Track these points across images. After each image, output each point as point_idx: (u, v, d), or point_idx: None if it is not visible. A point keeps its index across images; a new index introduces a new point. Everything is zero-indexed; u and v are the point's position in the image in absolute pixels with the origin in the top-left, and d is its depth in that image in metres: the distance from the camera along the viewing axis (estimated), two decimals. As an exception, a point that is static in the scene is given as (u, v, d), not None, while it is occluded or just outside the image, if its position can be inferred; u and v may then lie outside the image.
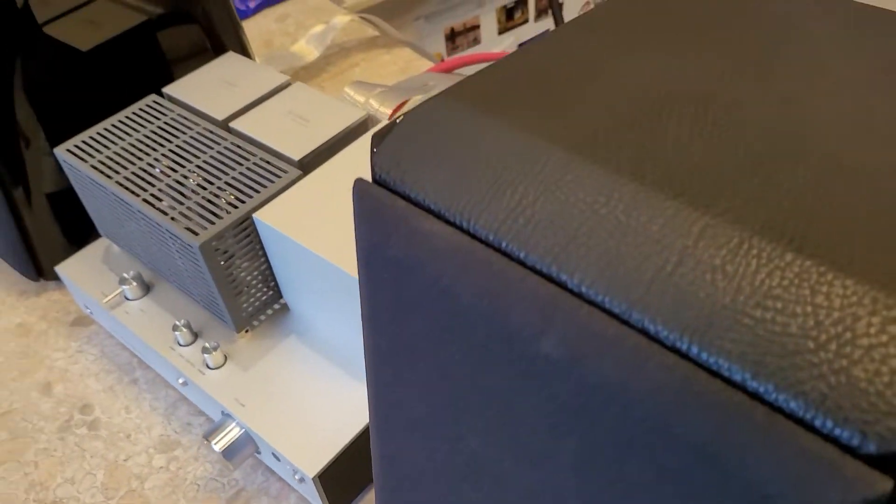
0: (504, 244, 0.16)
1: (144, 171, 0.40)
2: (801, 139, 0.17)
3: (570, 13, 1.18)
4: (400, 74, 0.70)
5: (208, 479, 0.41)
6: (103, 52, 0.49)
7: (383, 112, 0.48)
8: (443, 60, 0.76)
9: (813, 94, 0.18)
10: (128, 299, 0.44)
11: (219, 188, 0.38)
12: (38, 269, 0.51)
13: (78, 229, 0.51)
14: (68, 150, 0.42)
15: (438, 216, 0.18)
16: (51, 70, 0.47)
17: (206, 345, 0.39)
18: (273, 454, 0.36)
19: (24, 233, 0.50)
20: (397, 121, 0.20)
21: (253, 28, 0.77)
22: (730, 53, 0.20)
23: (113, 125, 0.43)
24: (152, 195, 0.38)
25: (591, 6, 1.19)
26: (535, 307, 0.16)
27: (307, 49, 0.69)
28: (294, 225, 0.35)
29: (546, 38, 0.21)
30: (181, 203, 0.38)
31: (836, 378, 0.13)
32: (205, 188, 0.38)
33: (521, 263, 0.16)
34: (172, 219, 0.37)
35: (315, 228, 0.35)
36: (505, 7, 1.03)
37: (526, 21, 1.08)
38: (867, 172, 0.16)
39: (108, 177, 0.40)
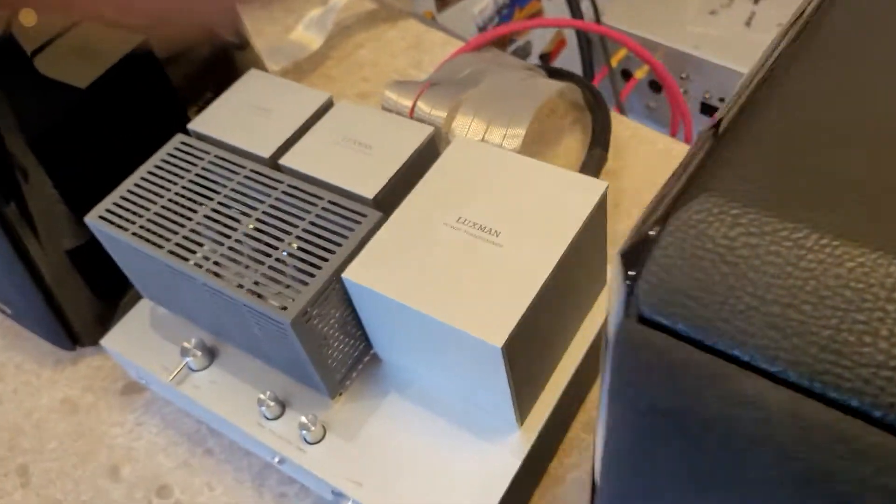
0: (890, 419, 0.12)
1: (196, 232, 0.35)
2: None
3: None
4: (412, 51, 0.64)
5: (322, 557, 0.37)
6: (105, 83, 0.42)
7: (437, 115, 0.42)
8: (478, 36, 0.70)
9: None
10: (192, 370, 0.39)
11: (290, 244, 0.33)
12: (73, 336, 0.46)
13: (110, 286, 0.45)
14: (101, 218, 0.36)
15: (766, 375, 0.13)
16: (49, 108, 0.41)
17: (303, 419, 0.34)
18: (404, 536, 0.32)
19: (50, 300, 0.44)
20: (650, 234, 0.15)
21: (237, 17, 0.69)
22: None
23: (144, 178, 0.37)
24: (215, 262, 0.33)
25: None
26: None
27: (308, 37, 0.62)
28: (391, 281, 0.31)
29: (807, 68, 0.16)
30: (247, 267, 0.33)
31: None
32: (275, 247, 0.33)
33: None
34: (249, 290, 0.32)
35: (414, 282, 0.30)
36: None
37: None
38: None
39: (158, 246, 0.34)
